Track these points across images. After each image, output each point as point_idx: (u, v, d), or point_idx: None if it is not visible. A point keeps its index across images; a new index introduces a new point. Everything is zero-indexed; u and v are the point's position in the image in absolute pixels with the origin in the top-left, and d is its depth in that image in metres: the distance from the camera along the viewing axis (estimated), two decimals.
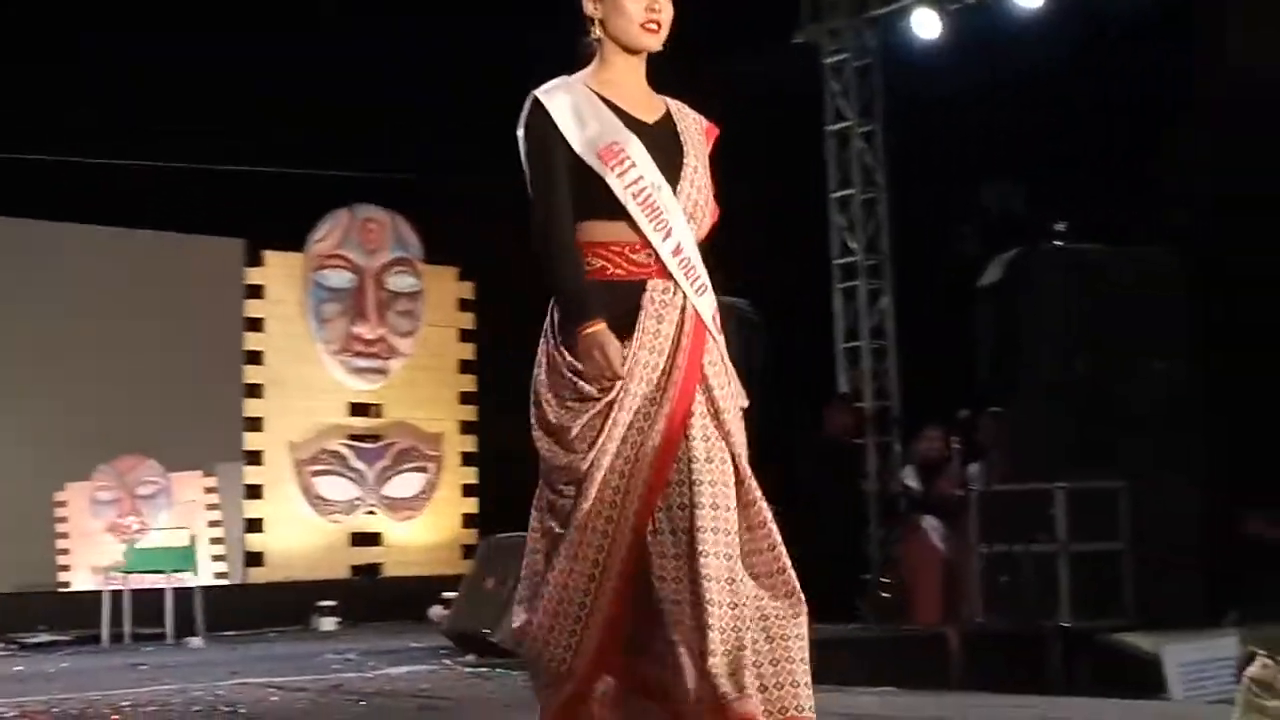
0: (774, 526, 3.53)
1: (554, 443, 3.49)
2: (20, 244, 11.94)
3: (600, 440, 3.43)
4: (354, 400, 13.18)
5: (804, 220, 12.40)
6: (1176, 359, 10.04)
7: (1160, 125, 10.55)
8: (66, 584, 11.68)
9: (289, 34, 11.55)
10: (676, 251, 3.58)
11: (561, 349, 3.50)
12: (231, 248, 12.84)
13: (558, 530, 3.47)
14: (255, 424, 12.75)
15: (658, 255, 3.56)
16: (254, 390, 12.75)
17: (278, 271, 12.94)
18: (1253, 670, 2.84)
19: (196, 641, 10.07)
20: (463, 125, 12.81)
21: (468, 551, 12.65)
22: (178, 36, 11.38)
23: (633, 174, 3.56)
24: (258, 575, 12.54)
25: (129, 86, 11.36)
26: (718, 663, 3.30)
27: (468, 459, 13.64)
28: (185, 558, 10.76)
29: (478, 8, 11.70)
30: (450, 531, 13.48)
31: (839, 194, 11.71)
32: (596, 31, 3.66)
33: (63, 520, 11.75)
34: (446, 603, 10.01)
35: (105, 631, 10.22)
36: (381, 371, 13.26)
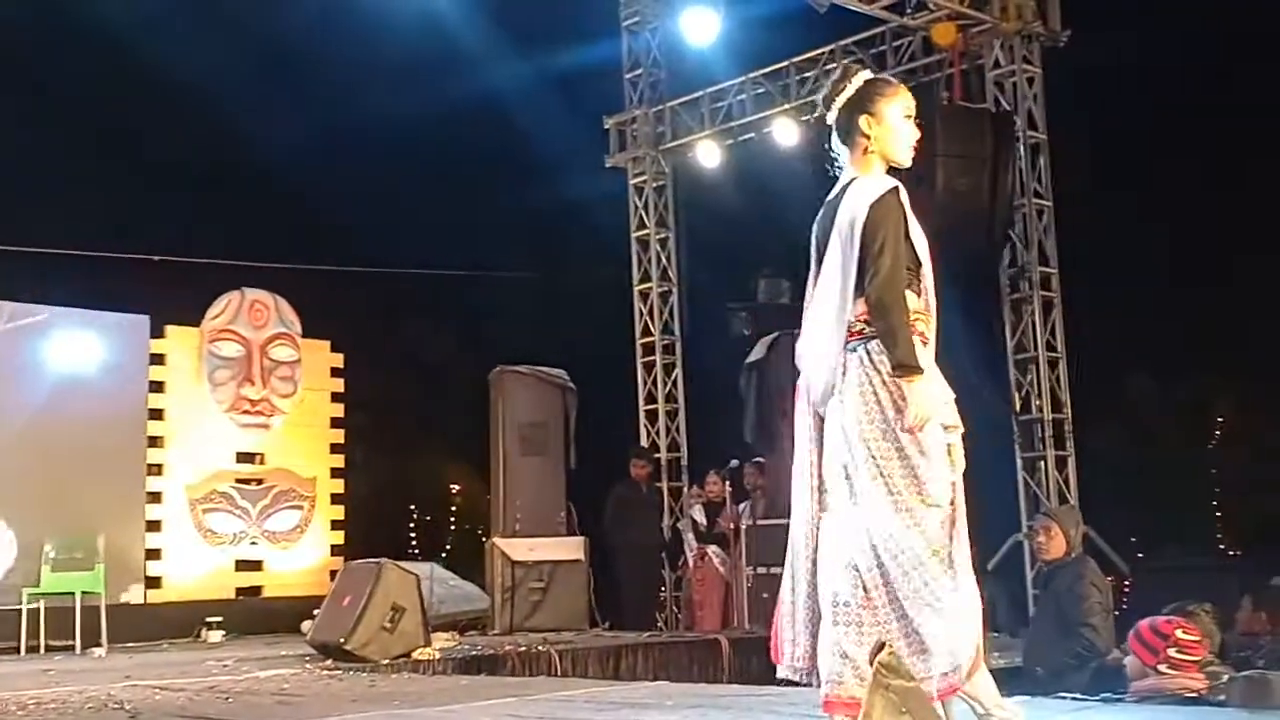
0: None
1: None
2: None
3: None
4: (240, 450, 12.69)
5: (617, 307, 12.38)
6: None
7: None
8: None
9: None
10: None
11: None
12: (139, 322, 12.34)
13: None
14: (157, 469, 12.20)
15: (929, 330, 3.48)
16: (155, 441, 12.21)
17: (177, 343, 12.45)
18: (881, 657, 2.89)
19: (99, 651, 9.57)
20: (336, 222, 12.69)
21: (335, 575, 12.31)
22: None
23: (928, 264, 3.50)
24: (155, 596, 11.92)
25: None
26: None
27: (335, 499, 13.20)
28: (95, 581, 10.25)
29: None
30: (320, 559, 13.00)
31: (641, 286, 11.76)
32: (870, 146, 3.53)
33: None
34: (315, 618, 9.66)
35: (23, 643, 9.70)
36: (265, 426, 12.79)
